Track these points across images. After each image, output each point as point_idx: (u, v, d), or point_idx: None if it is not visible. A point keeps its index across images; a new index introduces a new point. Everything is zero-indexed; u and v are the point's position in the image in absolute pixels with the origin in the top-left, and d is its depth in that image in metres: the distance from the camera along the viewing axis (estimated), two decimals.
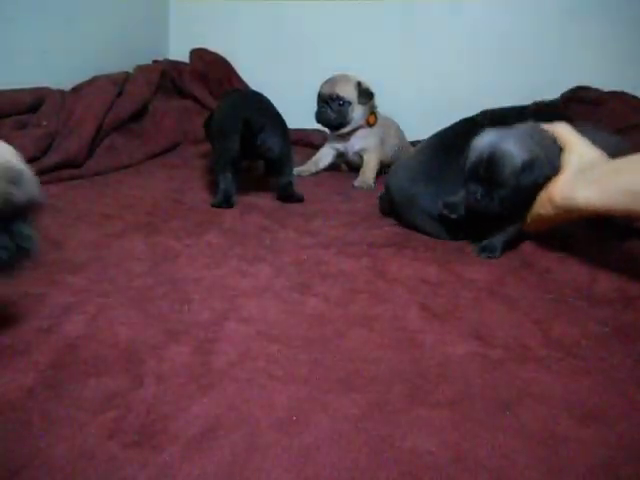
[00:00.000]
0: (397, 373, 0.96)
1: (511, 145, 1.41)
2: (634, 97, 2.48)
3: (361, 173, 2.33)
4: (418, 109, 2.85)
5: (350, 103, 2.35)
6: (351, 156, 2.49)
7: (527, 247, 1.59)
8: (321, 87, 2.41)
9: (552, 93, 2.63)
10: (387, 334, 1.09)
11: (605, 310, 1.24)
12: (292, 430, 0.80)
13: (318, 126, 2.56)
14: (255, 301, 1.20)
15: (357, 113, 2.37)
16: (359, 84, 2.37)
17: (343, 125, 2.38)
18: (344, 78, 2.39)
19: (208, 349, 1.00)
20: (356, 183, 2.27)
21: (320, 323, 1.12)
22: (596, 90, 2.54)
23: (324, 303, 1.21)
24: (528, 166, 1.40)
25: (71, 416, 0.80)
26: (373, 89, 2.43)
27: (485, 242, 1.54)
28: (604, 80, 2.55)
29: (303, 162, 2.55)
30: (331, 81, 2.39)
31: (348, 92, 2.35)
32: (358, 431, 0.81)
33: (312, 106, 2.50)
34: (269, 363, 0.97)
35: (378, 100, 2.49)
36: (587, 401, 0.91)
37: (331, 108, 2.35)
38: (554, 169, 1.42)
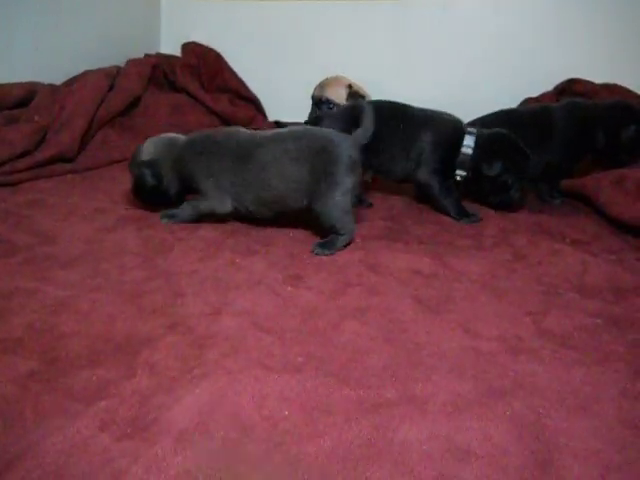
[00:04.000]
0: (390, 365, 0.96)
1: (144, 146, 1.63)
2: (627, 90, 2.48)
3: None
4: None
5: (339, 106, 2.35)
6: None
7: (518, 240, 1.60)
8: (314, 89, 2.41)
9: (546, 86, 2.64)
10: (380, 326, 1.09)
11: (596, 301, 1.24)
12: (284, 423, 0.81)
13: None
14: (248, 294, 1.20)
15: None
16: (350, 86, 2.37)
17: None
18: (335, 81, 2.38)
19: (202, 341, 1.00)
20: None
21: (313, 315, 1.12)
22: (589, 82, 2.54)
23: (317, 295, 1.21)
24: (146, 165, 1.59)
25: (63, 408, 0.80)
26: (367, 89, 2.42)
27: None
28: (597, 73, 2.55)
29: None
30: (321, 84, 2.39)
31: (338, 95, 2.35)
32: (351, 423, 0.81)
33: (307, 101, 2.50)
34: (262, 355, 0.97)
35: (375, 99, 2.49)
36: (579, 392, 0.92)
37: (321, 111, 2.36)
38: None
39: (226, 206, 1.56)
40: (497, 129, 1.84)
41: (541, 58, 2.79)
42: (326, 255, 1.44)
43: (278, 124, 2.11)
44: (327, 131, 1.56)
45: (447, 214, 1.81)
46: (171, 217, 1.61)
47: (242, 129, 1.63)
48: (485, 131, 1.82)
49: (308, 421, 0.81)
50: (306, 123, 2.43)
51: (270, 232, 1.58)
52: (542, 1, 2.81)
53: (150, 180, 1.60)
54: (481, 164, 1.77)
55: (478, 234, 1.65)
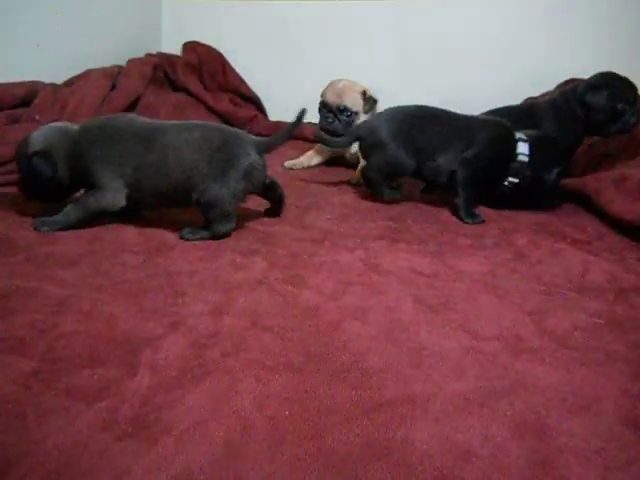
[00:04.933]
0: (390, 365, 0.96)
1: (33, 136, 1.53)
2: None
3: (358, 171, 2.33)
4: None
5: (357, 113, 2.35)
6: (349, 156, 2.50)
7: (519, 239, 1.60)
8: (326, 95, 2.38)
9: (547, 86, 2.64)
10: (381, 326, 1.09)
11: (597, 301, 1.25)
12: (285, 422, 0.81)
13: (312, 120, 2.55)
14: (249, 293, 1.20)
15: (362, 121, 2.37)
16: (364, 92, 2.37)
17: None
18: (350, 87, 2.37)
19: (202, 340, 1.00)
20: (353, 181, 2.26)
21: (314, 315, 1.12)
22: None
23: (318, 295, 1.21)
24: (40, 155, 1.49)
25: (65, 407, 0.80)
26: (372, 91, 2.42)
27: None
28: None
29: (297, 156, 2.55)
30: (337, 90, 2.36)
31: (355, 102, 2.35)
32: (351, 423, 0.81)
33: (306, 99, 2.49)
34: (263, 354, 0.97)
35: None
36: (580, 392, 0.92)
37: (338, 119, 2.35)
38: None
39: (119, 199, 1.48)
40: (537, 132, 1.89)
41: (543, 58, 2.79)
42: (189, 240, 1.47)
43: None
44: (236, 131, 1.54)
45: (457, 210, 1.82)
46: (51, 224, 1.49)
47: (138, 117, 1.60)
48: (532, 136, 1.85)
49: (309, 421, 0.81)
50: (323, 130, 2.42)
51: (271, 232, 1.58)
52: (544, 1, 2.81)
53: (45, 170, 1.49)
54: (540, 171, 1.81)
55: (479, 234, 1.65)
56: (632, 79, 2.02)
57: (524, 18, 2.83)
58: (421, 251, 1.49)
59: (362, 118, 2.36)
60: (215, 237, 1.50)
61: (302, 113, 1.55)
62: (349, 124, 2.35)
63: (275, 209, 1.73)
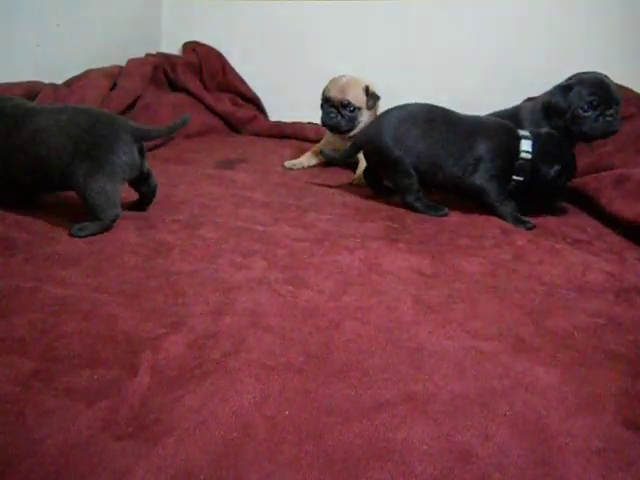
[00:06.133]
0: (390, 365, 0.96)
1: None
2: (631, 90, 2.48)
3: (359, 170, 2.33)
4: None
5: (360, 109, 2.36)
6: None
7: (519, 239, 1.60)
8: (329, 90, 2.38)
9: (548, 86, 2.64)
10: (380, 326, 1.09)
11: (597, 301, 1.25)
12: (285, 423, 0.81)
13: (311, 119, 2.56)
14: (249, 294, 1.20)
15: (364, 117, 2.38)
16: (367, 88, 2.37)
17: (351, 130, 2.38)
18: (353, 83, 2.37)
19: (202, 341, 1.00)
20: (354, 181, 2.26)
21: (314, 315, 1.12)
22: None
23: (318, 295, 1.21)
24: None
25: (64, 407, 0.80)
26: (375, 87, 2.43)
27: None
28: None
29: (296, 156, 2.55)
30: (340, 86, 2.36)
31: (358, 98, 2.35)
32: (351, 423, 0.81)
33: (306, 99, 2.49)
34: (263, 354, 0.97)
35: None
36: (579, 392, 0.92)
37: (342, 114, 2.35)
38: None
39: None
40: (547, 129, 1.87)
41: (544, 58, 2.79)
42: (80, 237, 1.44)
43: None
44: (109, 115, 1.54)
45: (503, 220, 1.80)
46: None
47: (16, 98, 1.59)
48: (538, 133, 1.83)
49: (309, 421, 0.81)
50: (327, 127, 2.43)
51: (270, 232, 1.58)
52: (546, 1, 2.81)
53: None
54: (540, 168, 1.78)
55: (479, 234, 1.65)
56: (633, 80, 2.01)
57: (525, 18, 2.83)
58: (421, 251, 1.49)
59: (365, 114, 2.37)
60: (105, 227, 1.48)
61: (185, 119, 1.62)
62: (352, 119, 2.36)
63: (142, 203, 1.69)
